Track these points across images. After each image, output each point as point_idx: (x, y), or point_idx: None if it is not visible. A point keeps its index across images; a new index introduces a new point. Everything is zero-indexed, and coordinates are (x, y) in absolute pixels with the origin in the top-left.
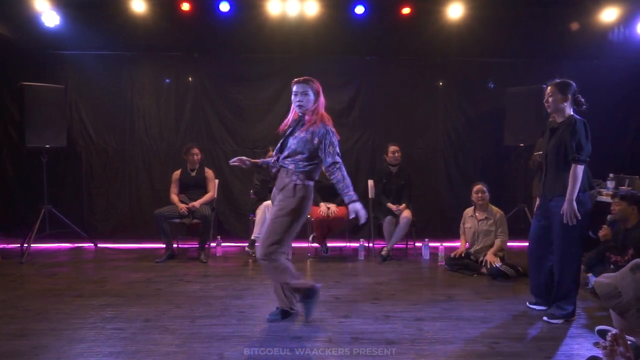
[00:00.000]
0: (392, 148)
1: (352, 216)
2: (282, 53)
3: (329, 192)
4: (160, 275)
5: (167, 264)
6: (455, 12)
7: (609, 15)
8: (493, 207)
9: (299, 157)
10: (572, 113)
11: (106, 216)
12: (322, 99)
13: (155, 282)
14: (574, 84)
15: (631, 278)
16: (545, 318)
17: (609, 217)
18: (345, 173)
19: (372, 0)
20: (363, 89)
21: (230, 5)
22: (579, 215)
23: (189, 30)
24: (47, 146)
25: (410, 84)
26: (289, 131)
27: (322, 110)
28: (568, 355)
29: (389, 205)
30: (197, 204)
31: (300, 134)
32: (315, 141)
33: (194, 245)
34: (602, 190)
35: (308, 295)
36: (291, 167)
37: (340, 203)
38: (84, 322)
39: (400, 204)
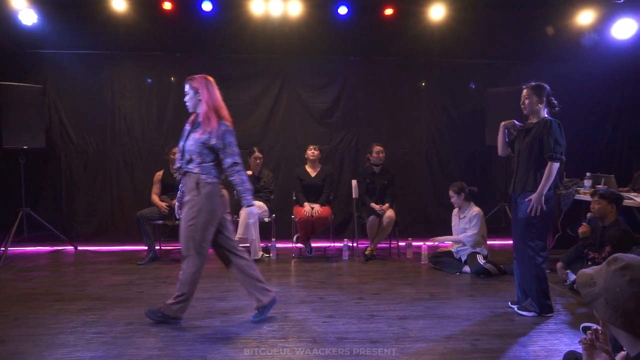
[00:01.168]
0: (376, 148)
1: (249, 220)
2: (266, 53)
3: (313, 192)
4: (142, 277)
5: (149, 266)
6: (437, 13)
7: (585, 18)
8: (474, 206)
9: (200, 159)
10: (546, 115)
11: (87, 218)
12: (205, 95)
13: (138, 285)
14: (548, 87)
15: (605, 270)
16: (516, 309)
17: (588, 214)
18: (245, 177)
19: (355, 0)
20: (346, 89)
21: (213, 5)
22: (544, 207)
23: (171, 30)
24: (25, 147)
25: (393, 85)
26: (185, 134)
27: (211, 107)
28: (548, 350)
29: (373, 205)
30: (174, 202)
31: (196, 135)
32: (213, 141)
33: (177, 247)
34: (580, 188)
35: (168, 311)
36: (195, 170)
37: (324, 203)
38: (63, 327)
39: (384, 204)
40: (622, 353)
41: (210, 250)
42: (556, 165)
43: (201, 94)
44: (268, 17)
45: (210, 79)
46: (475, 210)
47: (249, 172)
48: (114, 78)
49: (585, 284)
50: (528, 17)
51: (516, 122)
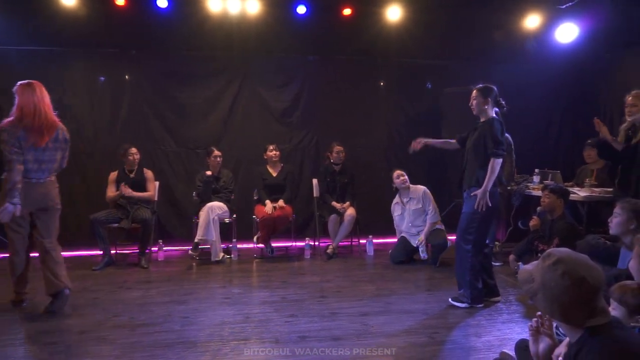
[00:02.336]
0: (336, 148)
1: None
2: (224, 51)
3: (275, 192)
4: (97, 283)
5: (105, 271)
6: (394, 14)
7: (532, 21)
8: (414, 186)
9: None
10: (494, 114)
11: None
12: (20, 101)
13: (92, 291)
14: (495, 88)
15: (541, 266)
16: (450, 300)
17: (538, 208)
18: (13, 176)
19: (313, 0)
20: (306, 88)
21: (169, 1)
22: (489, 203)
23: (125, 26)
24: None
25: (352, 84)
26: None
27: (24, 111)
28: (501, 339)
29: (334, 203)
30: (133, 194)
31: (46, 144)
32: (61, 146)
33: (134, 250)
34: (530, 184)
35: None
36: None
37: (288, 200)
38: (12, 339)
39: (344, 202)
40: (567, 339)
41: (175, 253)
42: (498, 161)
43: (18, 100)
44: (226, 14)
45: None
46: (420, 187)
47: (209, 173)
48: (64, 76)
49: (525, 281)
50: (480, 19)
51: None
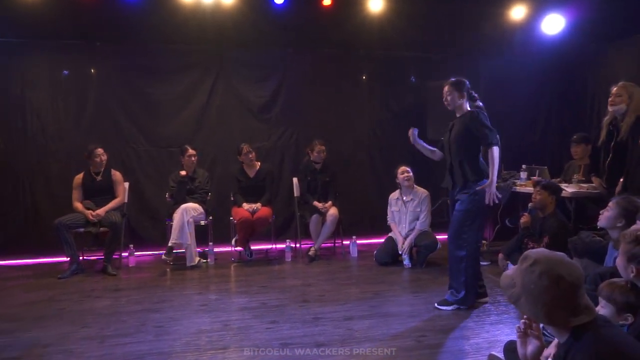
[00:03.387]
0: (318, 147)
1: None
2: (198, 44)
3: (253, 193)
4: (63, 292)
5: (72, 279)
6: (375, 5)
7: (517, 13)
8: (418, 187)
9: None
10: (468, 108)
11: None
12: None
13: (58, 301)
14: (467, 81)
15: (519, 269)
16: (436, 304)
17: (529, 204)
18: None
19: None
20: (285, 82)
21: None
22: (499, 195)
23: (90, 16)
24: None
25: (333, 78)
26: None
27: None
28: (490, 341)
29: (315, 203)
30: (101, 212)
31: None
32: None
33: (103, 256)
34: (516, 180)
35: None
36: None
37: (265, 203)
38: None
39: (326, 202)
40: (556, 340)
41: (147, 258)
42: (496, 149)
43: None
44: (199, 4)
45: None
46: (423, 191)
47: (183, 173)
48: (24, 69)
49: (507, 286)
50: (464, 11)
51: (412, 129)
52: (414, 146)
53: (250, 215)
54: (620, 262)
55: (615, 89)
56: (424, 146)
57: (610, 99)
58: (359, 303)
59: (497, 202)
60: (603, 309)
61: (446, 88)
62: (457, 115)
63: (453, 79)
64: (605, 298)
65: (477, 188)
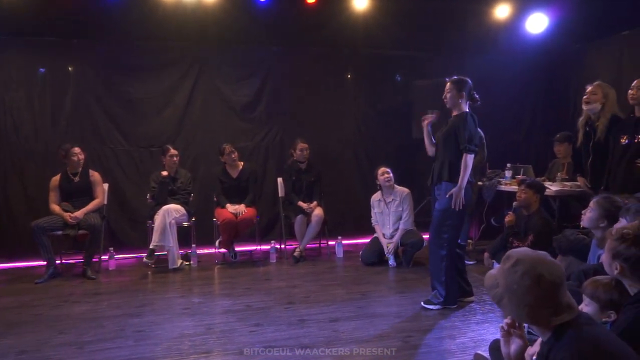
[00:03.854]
0: (300, 145)
1: None
2: (179, 41)
3: (236, 194)
4: (40, 297)
5: (49, 283)
6: (360, 2)
7: (502, 11)
8: (398, 187)
9: None
10: (467, 109)
11: None
12: None
13: (34, 307)
14: (469, 81)
15: (502, 269)
16: (422, 303)
17: (514, 203)
18: None
19: None
20: (269, 81)
21: None
22: (463, 201)
23: (66, 13)
24: None
25: (318, 76)
26: None
27: None
28: (476, 340)
29: (300, 203)
30: (79, 214)
31: None
32: None
33: (81, 260)
34: (501, 179)
35: None
36: None
37: (249, 204)
38: None
39: (311, 202)
40: (540, 339)
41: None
42: (470, 156)
43: None
44: (180, 0)
45: None
46: (403, 190)
47: (164, 173)
48: None
49: (491, 286)
50: (450, 9)
51: (433, 114)
52: (422, 130)
53: (234, 216)
54: (605, 259)
55: (590, 87)
56: (429, 135)
57: (585, 97)
58: (345, 304)
59: (461, 208)
60: (587, 306)
61: (447, 85)
62: (453, 114)
63: (455, 77)
64: (589, 295)
65: (447, 194)
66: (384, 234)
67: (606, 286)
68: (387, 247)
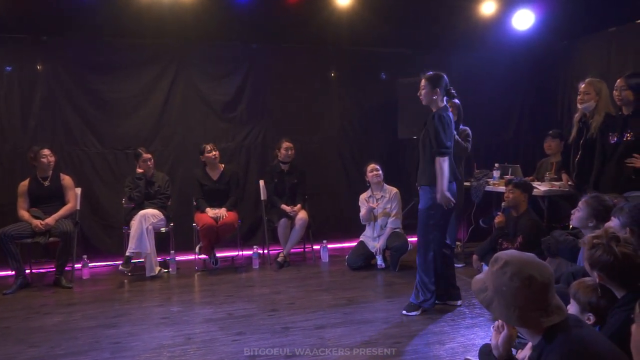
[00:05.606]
0: (285, 145)
1: None
2: (155, 38)
3: (217, 197)
4: (8, 309)
5: (18, 294)
6: None
7: (488, 7)
8: (387, 185)
9: None
10: (444, 104)
11: None
12: None
13: (2, 319)
14: (445, 76)
15: (491, 271)
16: (403, 311)
17: (503, 204)
18: None
19: None
20: (250, 79)
21: None
22: (453, 200)
23: (35, 8)
24: None
25: (301, 74)
26: None
27: None
28: (465, 345)
29: (283, 206)
30: (50, 220)
31: None
32: None
33: (53, 269)
34: (489, 180)
35: None
36: None
37: (231, 207)
38: None
39: (295, 205)
40: (530, 343)
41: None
42: (443, 159)
43: None
44: None
45: None
46: (392, 188)
47: (139, 170)
48: None
49: (479, 290)
50: (435, 5)
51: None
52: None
53: (214, 221)
54: (586, 267)
55: (582, 86)
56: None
57: (579, 97)
58: (331, 310)
59: (451, 206)
60: (572, 307)
61: (422, 82)
62: (433, 110)
63: (430, 73)
64: (572, 296)
65: (426, 193)
66: (372, 233)
67: (587, 289)
68: (376, 247)
